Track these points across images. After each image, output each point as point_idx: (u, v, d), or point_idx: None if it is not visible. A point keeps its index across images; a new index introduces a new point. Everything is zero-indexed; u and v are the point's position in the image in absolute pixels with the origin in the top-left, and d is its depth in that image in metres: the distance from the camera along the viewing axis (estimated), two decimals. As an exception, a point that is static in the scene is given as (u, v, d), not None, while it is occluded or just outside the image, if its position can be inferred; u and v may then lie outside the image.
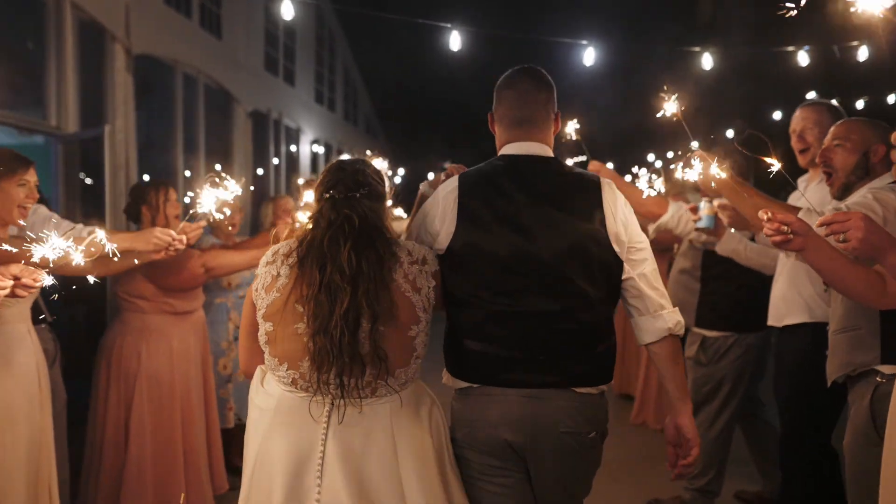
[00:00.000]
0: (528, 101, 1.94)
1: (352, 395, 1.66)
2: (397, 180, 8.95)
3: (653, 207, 3.39)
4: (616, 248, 1.86)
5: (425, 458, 1.72)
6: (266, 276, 1.74)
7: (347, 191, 1.76)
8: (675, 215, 3.40)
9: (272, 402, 1.73)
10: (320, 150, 14.31)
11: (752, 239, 3.26)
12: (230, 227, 4.00)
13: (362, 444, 1.68)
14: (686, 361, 3.25)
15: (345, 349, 1.62)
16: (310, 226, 1.76)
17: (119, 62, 6.13)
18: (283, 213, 4.13)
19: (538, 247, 1.82)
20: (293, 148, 12.75)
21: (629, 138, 13.90)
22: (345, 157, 2.19)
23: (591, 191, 1.89)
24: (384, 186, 1.87)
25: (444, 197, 1.90)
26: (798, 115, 2.93)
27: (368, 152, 4.31)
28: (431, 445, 1.75)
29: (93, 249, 1.57)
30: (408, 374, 1.75)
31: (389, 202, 1.98)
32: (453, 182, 1.92)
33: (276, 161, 11.52)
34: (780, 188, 3.64)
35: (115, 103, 6.06)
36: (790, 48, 6.70)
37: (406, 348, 1.73)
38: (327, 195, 1.77)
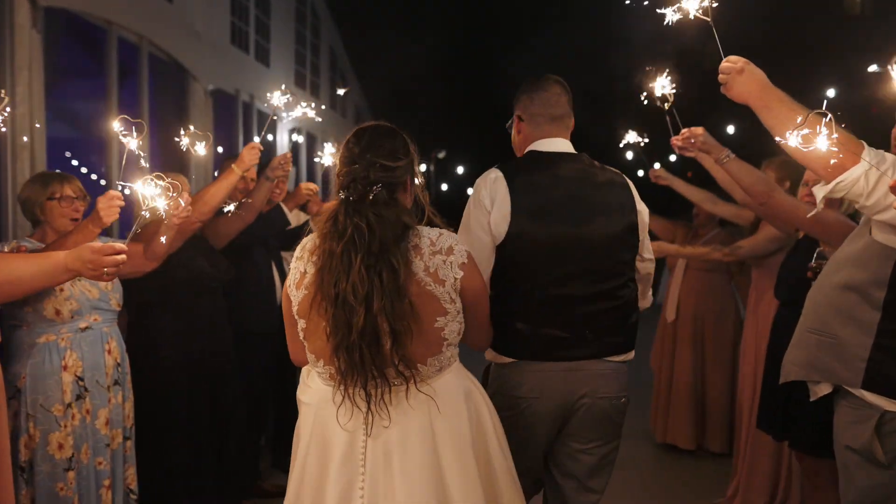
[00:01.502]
0: (560, 102, 2.29)
1: (381, 402, 1.70)
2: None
3: (832, 156, 1.78)
4: (640, 236, 2.25)
5: (463, 452, 1.73)
6: (295, 272, 1.81)
7: (362, 190, 1.74)
8: (867, 174, 1.76)
9: (315, 396, 1.80)
10: (301, 139, 13.12)
11: None
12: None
13: (401, 440, 1.70)
14: (847, 457, 1.97)
15: (367, 366, 1.67)
16: (329, 225, 1.74)
17: (22, 17, 4.97)
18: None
19: (587, 233, 2.11)
20: (269, 136, 11.56)
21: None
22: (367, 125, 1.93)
23: (623, 186, 2.24)
24: (407, 161, 1.83)
25: (492, 181, 2.14)
26: None
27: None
28: (469, 435, 1.76)
29: None
30: (441, 360, 1.79)
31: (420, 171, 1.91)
32: (495, 172, 2.16)
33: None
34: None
35: (16, 67, 4.91)
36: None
37: (435, 340, 1.76)
38: (342, 195, 1.77)
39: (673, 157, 4.03)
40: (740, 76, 1.81)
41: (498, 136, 2.56)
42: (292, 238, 3.80)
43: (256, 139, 3.26)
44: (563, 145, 2.25)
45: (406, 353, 1.68)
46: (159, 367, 2.90)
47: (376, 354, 1.66)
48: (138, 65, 7.18)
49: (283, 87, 3.29)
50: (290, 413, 4.36)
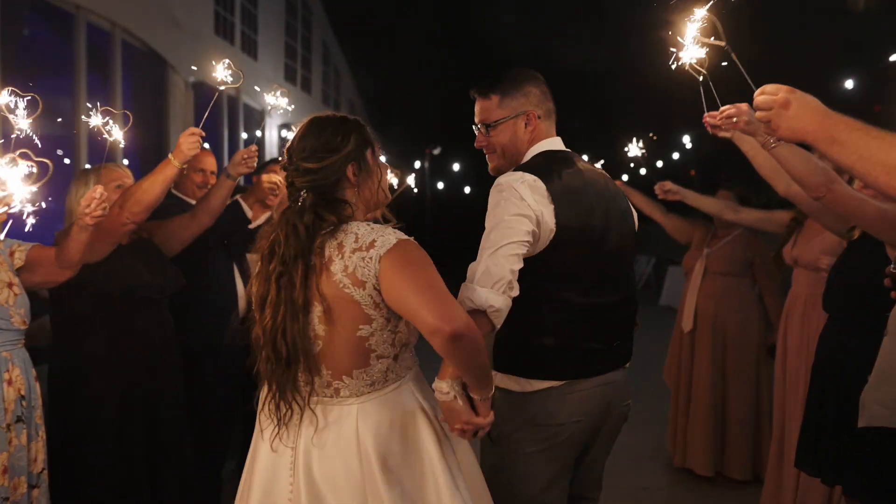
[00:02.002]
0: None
1: (290, 413, 1.64)
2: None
3: None
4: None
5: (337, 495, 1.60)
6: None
7: (294, 197, 1.70)
8: None
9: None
10: (291, 136, 12.61)
11: None
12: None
13: (333, 447, 1.62)
14: None
15: (275, 376, 1.63)
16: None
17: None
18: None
19: (615, 238, 1.97)
20: (258, 132, 11.08)
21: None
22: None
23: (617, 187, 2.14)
24: (339, 156, 1.67)
25: (531, 184, 1.86)
26: None
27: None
28: (354, 479, 1.60)
29: None
30: (371, 374, 1.65)
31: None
32: (528, 176, 1.88)
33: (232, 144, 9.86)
34: None
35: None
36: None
37: (359, 350, 1.62)
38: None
39: (676, 155, 3.53)
40: (787, 111, 1.43)
41: None
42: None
43: (245, 136, 2.81)
44: (561, 143, 2.09)
45: (317, 365, 1.63)
46: (84, 399, 2.40)
47: (283, 364, 1.61)
48: (110, 53, 6.73)
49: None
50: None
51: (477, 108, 2.06)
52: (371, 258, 1.55)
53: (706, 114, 2.26)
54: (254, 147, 2.90)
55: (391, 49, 19.14)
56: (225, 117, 9.50)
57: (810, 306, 3.04)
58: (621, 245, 2.00)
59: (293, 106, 2.93)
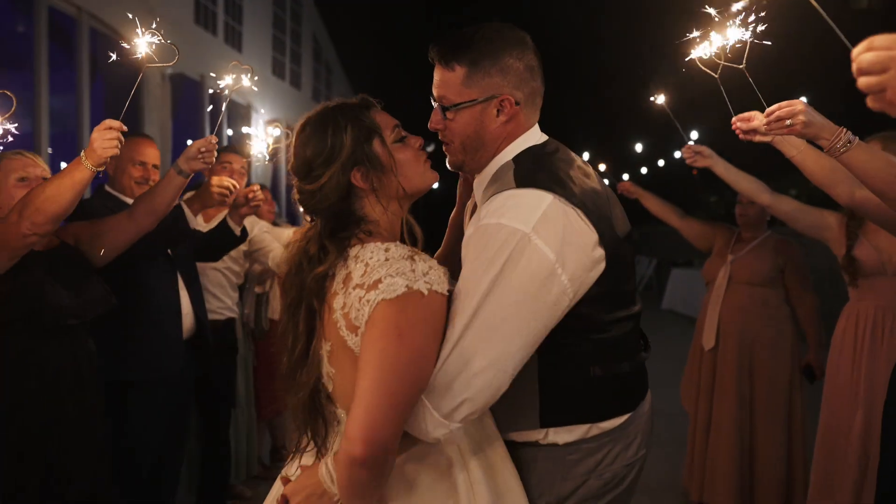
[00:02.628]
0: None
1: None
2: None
3: None
4: None
5: None
6: None
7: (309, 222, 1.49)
8: None
9: None
10: (278, 132, 12.12)
11: None
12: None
13: None
14: None
15: (297, 413, 1.42)
16: None
17: None
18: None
19: (632, 241, 1.58)
20: (244, 129, 10.58)
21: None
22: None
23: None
24: (335, 167, 1.38)
25: (561, 217, 1.33)
26: None
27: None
28: None
29: None
30: None
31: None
32: (552, 200, 1.34)
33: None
34: None
35: None
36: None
37: None
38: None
39: (677, 154, 3.07)
40: None
41: None
42: (218, 246, 2.84)
43: (230, 132, 2.34)
44: (540, 132, 1.56)
45: (333, 405, 1.39)
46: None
47: (305, 402, 1.40)
48: (77, 41, 6.23)
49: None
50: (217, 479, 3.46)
51: (435, 78, 1.51)
52: (369, 302, 1.25)
53: (736, 118, 1.93)
54: (213, 138, 2.40)
55: (385, 44, 18.67)
56: (206, 109, 8.98)
57: (891, 318, 2.59)
58: (632, 246, 1.58)
59: (255, 88, 2.46)
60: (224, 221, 2.83)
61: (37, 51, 5.67)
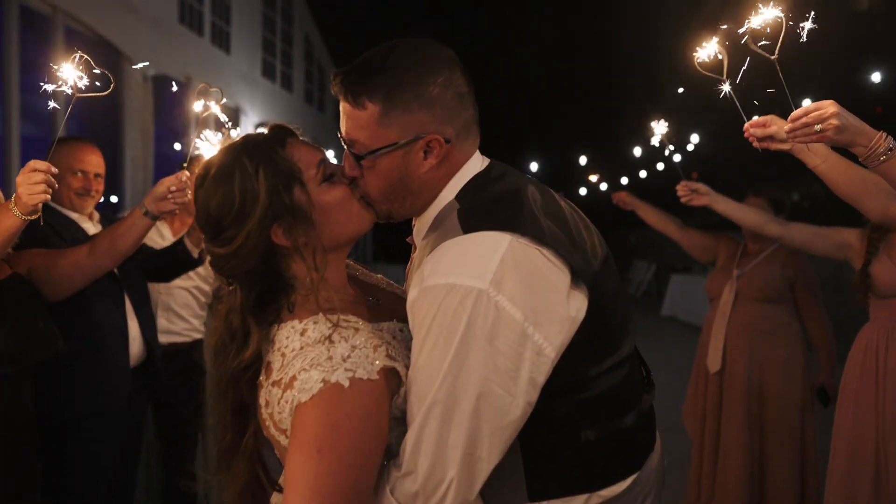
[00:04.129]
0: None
1: None
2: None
3: None
4: None
5: None
6: None
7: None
8: None
9: None
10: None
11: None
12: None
13: None
14: None
15: None
16: None
17: None
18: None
19: (610, 267, 1.25)
20: (233, 132, 10.32)
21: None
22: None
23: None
24: (250, 224, 1.12)
25: (535, 270, 1.07)
26: None
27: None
28: None
29: None
30: None
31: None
32: (495, 240, 1.07)
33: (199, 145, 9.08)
34: None
35: None
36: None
37: None
38: None
39: (678, 157, 2.93)
40: None
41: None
42: (172, 267, 2.57)
43: (219, 137, 2.15)
44: (482, 157, 1.27)
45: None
46: None
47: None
48: (49, 39, 5.97)
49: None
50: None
51: (342, 115, 1.21)
52: (288, 403, 1.04)
53: (749, 123, 1.74)
54: (184, 174, 2.16)
55: (379, 44, 18.46)
56: (192, 116, 8.73)
57: None
58: (614, 269, 1.27)
59: (222, 111, 2.22)
60: (181, 241, 2.57)
61: (7, 49, 5.41)
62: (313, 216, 1.14)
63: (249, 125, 11.06)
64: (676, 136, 2.85)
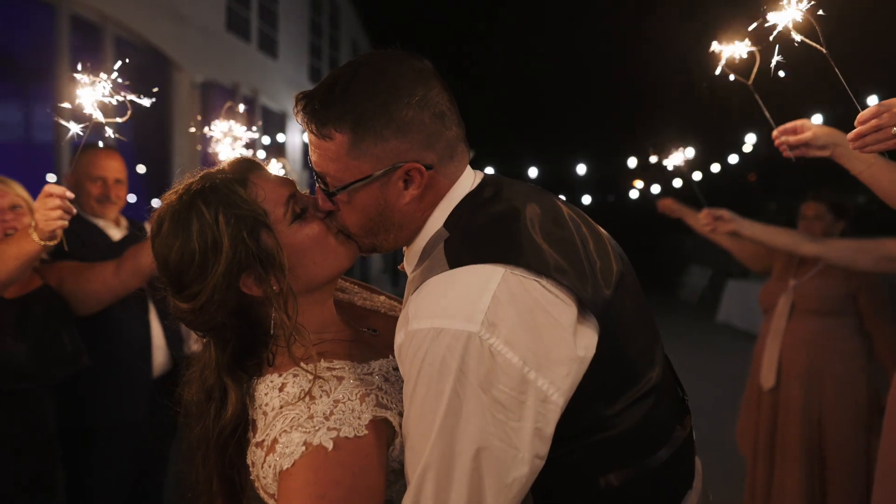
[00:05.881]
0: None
1: None
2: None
3: None
4: None
5: None
6: None
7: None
8: None
9: None
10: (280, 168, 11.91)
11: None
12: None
13: None
14: None
15: None
16: None
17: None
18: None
19: (628, 285, 1.11)
20: (280, 137, 10.42)
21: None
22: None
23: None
24: (221, 269, 1.02)
25: (540, 308, 0.94)
26: None
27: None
28: None
29: None
30: None
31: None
32: (486, 274, 0.95)
33: (247, 151, 9.19)
34: None
35: None
36: None
37: None
38: None
39: (716, 167, 2.85)
40: None
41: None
42: None
43: (266, 141, 2.14)
44: (474, 174, 1.16)
45: None
46: None
47: None
48: (98, 49, 6.10)
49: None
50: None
51: (310, 147, 1.09)
52: (271, 468, 0.96)
53: (779, 129, 1.70)
54: (59, 190, 2.00)
55: (428, 48, 18.48)
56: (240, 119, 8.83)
57: None
58: (632, 288, 1.12)
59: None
60: None
61: (58, 58, 5.54)
62: (285, 260, 1.03)
63: (296, 130, 11.16)
64: (731, 136, 2.72)
